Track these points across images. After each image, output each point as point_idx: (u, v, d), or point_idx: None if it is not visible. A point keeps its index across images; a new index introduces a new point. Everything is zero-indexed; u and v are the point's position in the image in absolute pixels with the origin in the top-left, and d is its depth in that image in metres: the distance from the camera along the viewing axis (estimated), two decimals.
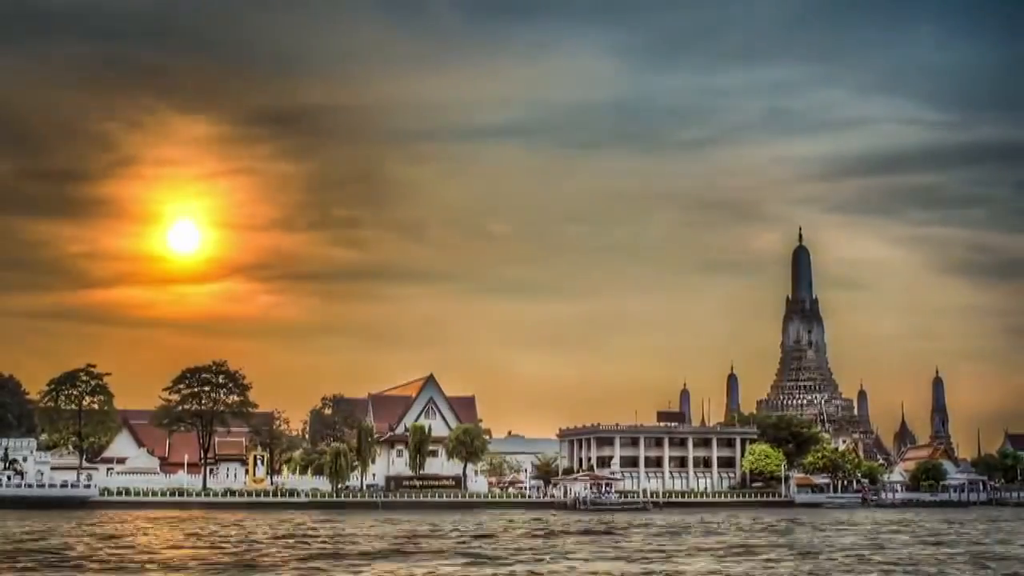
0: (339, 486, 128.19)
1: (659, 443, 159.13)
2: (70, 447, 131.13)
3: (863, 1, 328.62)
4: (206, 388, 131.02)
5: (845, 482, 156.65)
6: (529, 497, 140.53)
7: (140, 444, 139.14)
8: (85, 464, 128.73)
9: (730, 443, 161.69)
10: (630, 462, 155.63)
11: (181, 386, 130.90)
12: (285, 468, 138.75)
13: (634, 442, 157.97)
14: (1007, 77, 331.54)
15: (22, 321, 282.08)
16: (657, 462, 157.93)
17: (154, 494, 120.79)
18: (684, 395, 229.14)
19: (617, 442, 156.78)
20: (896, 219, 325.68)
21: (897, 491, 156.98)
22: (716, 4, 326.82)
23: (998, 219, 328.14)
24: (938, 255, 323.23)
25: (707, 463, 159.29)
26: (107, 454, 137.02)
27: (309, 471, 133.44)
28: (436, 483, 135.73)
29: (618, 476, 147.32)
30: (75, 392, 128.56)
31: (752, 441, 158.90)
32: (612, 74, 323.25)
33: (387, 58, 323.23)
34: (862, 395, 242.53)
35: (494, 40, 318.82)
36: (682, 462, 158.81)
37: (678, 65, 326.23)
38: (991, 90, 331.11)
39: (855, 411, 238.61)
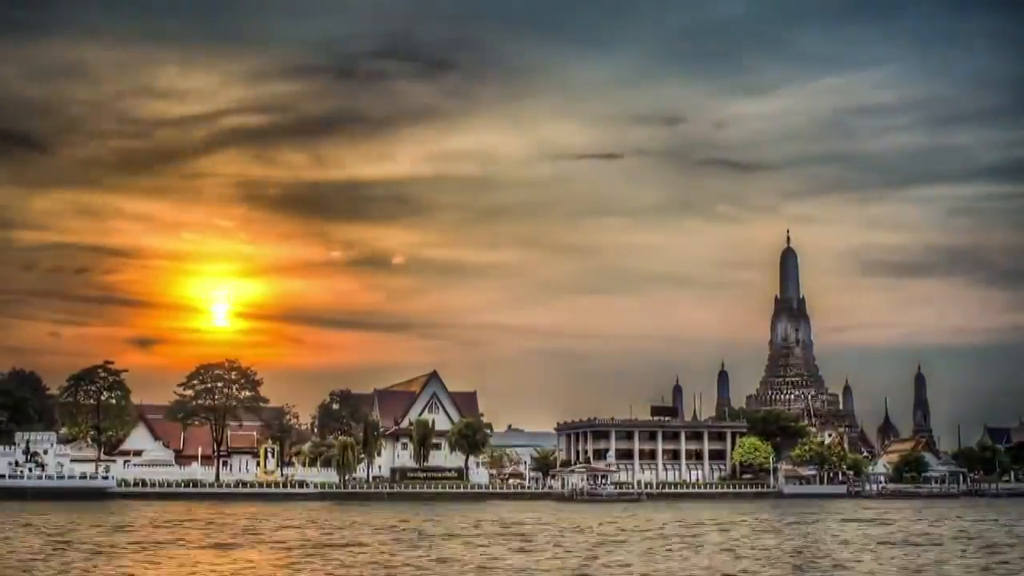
0: (346, 478, 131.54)
1: (653, 436, 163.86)
2: (89, 440, 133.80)
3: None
4: (219, 384, 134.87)
5: (831, 474, 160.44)
6: (528, 488, 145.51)
7: (156, 437, 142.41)
8: (103, 457, 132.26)
9: (721, 437, 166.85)
10: (625, 455, 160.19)
11: (195, 382, 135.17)
12: (295, 460, 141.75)
13: (629, 435, 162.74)
14: None
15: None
16: (651, 455, 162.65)
17: (169, 485, 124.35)
18: (677, 391, 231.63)
19: (613, 435, 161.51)
20: (882, 221, 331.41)
21: (881, 483, 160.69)
22: None
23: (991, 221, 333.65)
24: (923, 254, 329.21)
25: (699, 456, 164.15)
26: (124, 447, 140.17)
27: (318, 463, 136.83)
28: (439, 475, 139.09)
29: (613, 468, 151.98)
30: (93, 388, 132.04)
31: (742, 435, 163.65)
32: None
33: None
34: (847, 390, 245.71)
35: None
36: (675, 455, 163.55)
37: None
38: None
39: (840, 406, 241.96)
